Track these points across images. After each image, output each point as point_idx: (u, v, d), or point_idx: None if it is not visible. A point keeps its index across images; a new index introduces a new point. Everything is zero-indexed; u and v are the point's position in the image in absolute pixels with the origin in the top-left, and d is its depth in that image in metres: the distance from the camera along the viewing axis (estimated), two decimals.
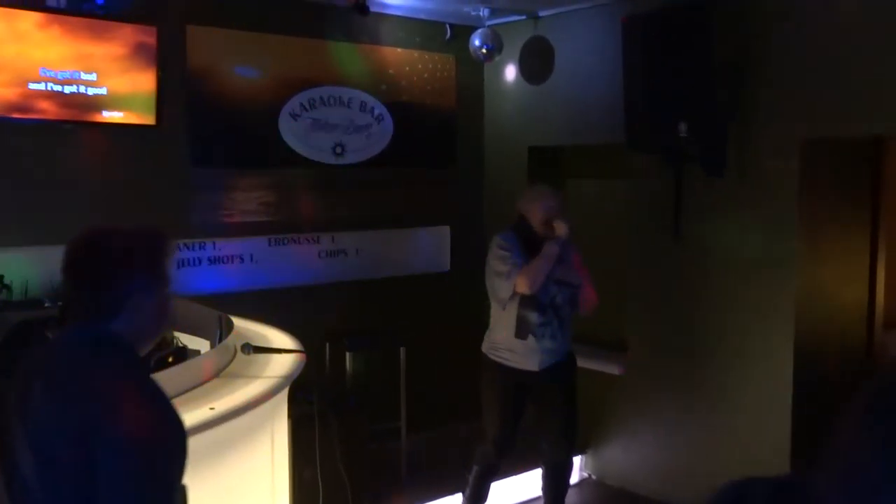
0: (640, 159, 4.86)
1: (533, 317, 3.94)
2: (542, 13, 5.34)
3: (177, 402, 2.62)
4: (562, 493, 4.32)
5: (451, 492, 4.61)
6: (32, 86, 4.02)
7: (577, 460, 5.24)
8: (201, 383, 2.86)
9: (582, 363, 5.23)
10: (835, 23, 4.06)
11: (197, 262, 4.71)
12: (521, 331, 3.97)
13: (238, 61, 4.78)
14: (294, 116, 4.99)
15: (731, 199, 4.53)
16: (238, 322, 3.65)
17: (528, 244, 3.97)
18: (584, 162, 5.59)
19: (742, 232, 4.52)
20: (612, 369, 5.15)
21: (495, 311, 4.09)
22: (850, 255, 4.75)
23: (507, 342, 4.03)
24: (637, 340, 5.08)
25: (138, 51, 4.28)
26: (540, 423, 4.22)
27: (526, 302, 3.95)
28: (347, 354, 4.76)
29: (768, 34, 4.30)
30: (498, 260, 3.98)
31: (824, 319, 4.58)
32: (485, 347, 4.16)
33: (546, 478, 4.30)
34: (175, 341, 3.29)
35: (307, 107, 5.04)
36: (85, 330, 1.68)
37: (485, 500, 4.35)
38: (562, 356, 4.10)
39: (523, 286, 3.87)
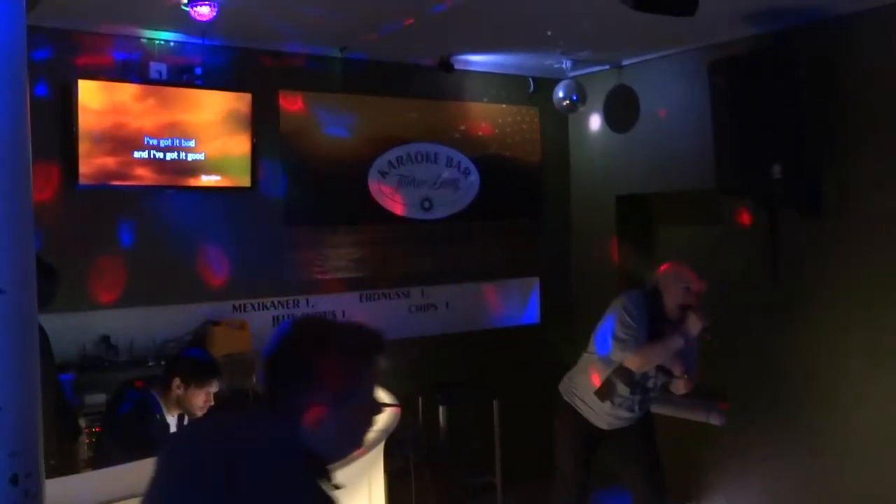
0: (730, 204, 4.76)
1: (621, 388, 3.86)
2: (625, 62, 5.35)
3: None
4: None
5: None
6: (137, 154, 4.22)
7: None
8: None
9: (680, 414, 5.11)
10: None
11: (291, 318, 4.80)
12: (604, 394, 3.89)
13: (328, 123, 4.93)
14: (383, 174, 5.09)
15: (830, 239, 4.38)
16: None
17: (655, 317, 3.85)
18: (674, 209, 5.50)
19: (845, 274, 4.35)
20: (712, 420, 4.99)
21: (589, 359, 4.02)
22: None
23: (586, 393, 3.96)
24: (736, 390, 4.92)
25: (234, 117, 4.46)
26: (622, 475, 4.10)
27: (622, 371, 3.86)
28: (440, 408, 4.75)
29: (862, 67, 4.20)
30: (621, 325, 3.82)
31: None
32: (562, 387, 4.08)
33: None
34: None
35: (395, 164, 5.13)
36: (278, 430, 1.51)
37: None
38: (635, 422, 3.99)
39: (634, 364, 3.78)
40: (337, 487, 1.55)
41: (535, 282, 5.64)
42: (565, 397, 4.05)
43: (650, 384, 3.89)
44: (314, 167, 4.87)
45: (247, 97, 4.51)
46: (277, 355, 1.57)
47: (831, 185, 4.33)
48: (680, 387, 3.92)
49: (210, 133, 4.41)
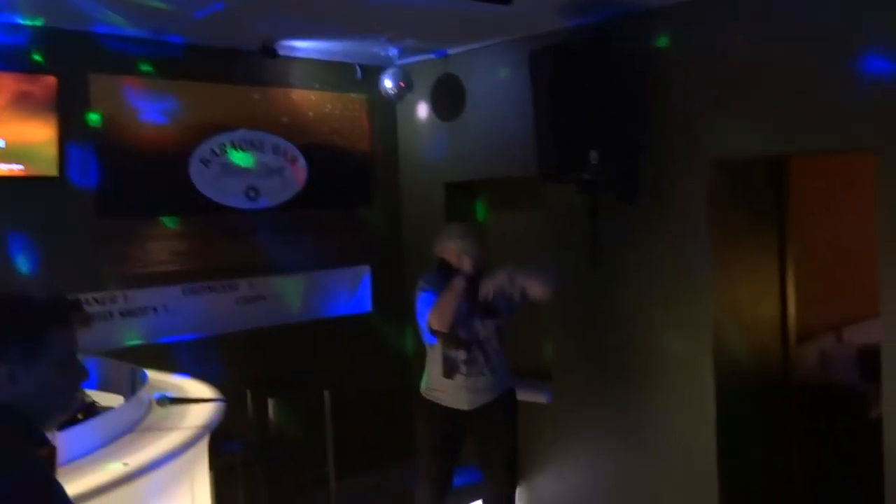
0: (554, 190, 4.92)
1: (457, 354, 3.92)
2: (451, 51, 5.40)
3: (88, 461, 2.50)
4: None
5: None
6: None
7: None
8: (114, 439, 2.73)
9: None
10: (735, 46, 4.21)
11: (108, 315, 4.54)
12: (448, 370, 3.95)
13: (144, 109, 4.68)
14: (205, 162, 4.89)
15: (644, 224, 4.61)
16: (153, 375, 3.53)
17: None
18: (502, 196, 5.63)
19: (657, 256, 4.60)
20: (539, 398, 5.15)
21: (428, 352, 4.08)
22: (761, 272, 4.88)
23: (438, 382, 4.01)
24: (561, 369, 5.10)
25: (35, 102, 4.15)
26: (480, 458, 4.17)
27: (448, 340, 3.93)
28: (270, 401, 4.64)
29: (671, 58, 4.43)
30: (419, 302, 3.97)
31: (741, 337, 4.68)
32: (422, 388, 4.14)
33: None
34: (84, 398, 3.14)
35: (218, 152, 4.95)
36: None
37: None
38: (498, 393, 4.06)
39: (434, 322, 3.86)
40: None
41: (365, 270, 5.62)
42: (425, 396, 4.09)
43: (482, 335, 3.94)
44: (130, 155, 4.61)
45: (51, 80, 4.21)
46: None
47: (645, 172, 4.56)
48: (536, 292, 3.94)
49: (6, 119, 4.08)
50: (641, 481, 4.74)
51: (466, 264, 3.88)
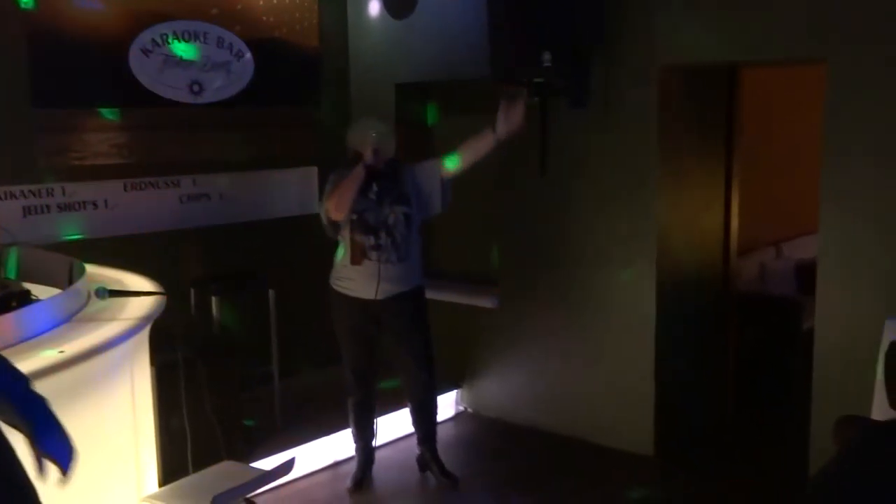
0: (507, 93, 4.85)
1: (365, 240, 3.95)
2: None
3: (22, 348, 2.45)
4: (430, 429, 4.37)
5: (327, 433, 4.58)
6: None
7: (453, 394, 5.32)
8: (50, 329, 2.68)
9: (456, 299, 5.29)
10: None
11: (45, 209, 4.41)
12: (356, 255, 3.99)
13: None
14: (146, 52, 4.70)
15: (594, 130, 4.60)
16: (92, 269, 3.44)
17: (370, 177, 3.96)
18: (453, 99, 5.54)
19: (605, 163, 4.60)
20: (486, 303, 5.20)
21: (340, 242, 4.12)
22: (706, 183, 4.93)
23: (346, 270, 4.06)
24: (508, 275, 5.14)
25: None
26: (395, 361, 4.23)
27: (356, 225, 3.98)
28: (213, 299, 4.59)
29: None
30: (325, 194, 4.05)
31: (683, 247, 4.75)
32: (330, 279, 4.15)
33: (412, 413, 4.34)
34: (17, 286, 3.06)
35: (160, 42, 4.76)
36: None
37: (372, 436, 4.36)
38: (406, 286, 4.09)
39: (331, 210, 3.95)
40: None
41: (313, 171, 5.52)
42: (333, 286, 4.13)
43: (390, 221, 3.97)
44: (65, 41, 4.39)
45: None
46: None
47: (597, 77, 4.51)
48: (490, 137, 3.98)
49: None
50: (582, 385, 4.86)
51: (369, 153, 3.92)
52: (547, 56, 4.16)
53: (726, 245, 5.13)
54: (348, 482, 4.30)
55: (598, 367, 4.78)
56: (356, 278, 4.03)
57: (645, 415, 4.61)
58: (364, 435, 4.33)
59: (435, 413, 4.38)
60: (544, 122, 4.66)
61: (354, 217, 3.98)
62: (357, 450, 4.36)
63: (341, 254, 4.10)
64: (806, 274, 5.62)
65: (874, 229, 3.78)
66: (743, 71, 4.93)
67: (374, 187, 3.98)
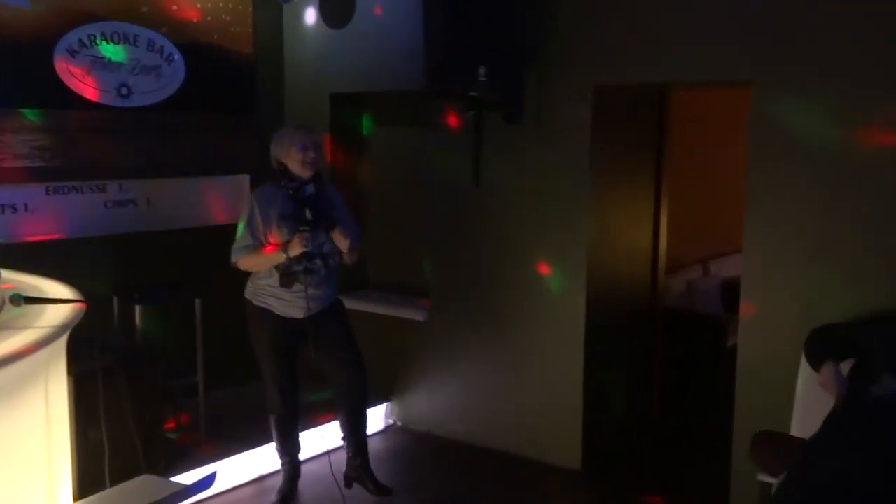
0: (442, 107, 4.86)
1: (299, 266, 3.88)
2: None
3: None
4: (363, 440, 4.31)
5: (252, 447, 4.49)
6: None
7: (382, 408, 5.28)
8: None
9: (386, 311, 5.26)
10: None
11: None
12: (287, 280, 3.91)
13: None
14: (72, 53, 4.57)
15: (528, 145, 4.63)
16: (7, 274, 3.31)
17: (294, 193, 3.89)
18: (388, 110, 5.53)
19: (538, 178, 4.64)
20: (416, 316, 5.18)
21: None
22: (636, 200, 5.01)
23: (271, 289, 3.98)
24: (438, 287, 5.13)
25: None
26: (323, 363, 4.16)
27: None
28: (137, 308, 4.47)
29: None
30: (242, 221, 3.95)
31: (613, 263, 4.81)
32: (248, 293, 4.09)
33: (345, 425, 4.28)
34: None
35: (87, 43, 4.63)
36: None
37: (297, 450, 4.28)
38: (329, 301, 4.08)
39: (240, 266, 3.93)
40: None
41: (245, 180, 5.43)
42: (254, 302, 4.03)
43: (325, 248, 3.94)
44: None
45: None
46: None
47: (532, 93, 4.55)
48: (343, 246, 3.92)
49: None
50: (512, 399, 4.87)
51: (297, 168, 3.87)
52: (482, 71, 4.18)
53: (654, 262, 5.22)
54: (274, 497, 4.22)
55: (528, 381, 4.80)
56: (285, 298, 3.96)
57: (573, 429, 4.64)
58: (290, 450, 4.25)
59: (365, 424, 4.33)
60: (479, 134, 4.68)
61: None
62: (283, 464, 4.28)
63: (264, 271, 3.98)
64: (731, 292, 5.75)
65: (796, 249, 3.89)
66: (673, 92, 5.03)
67: (308, 213, 3.86)
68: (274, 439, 4.24)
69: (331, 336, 4.09)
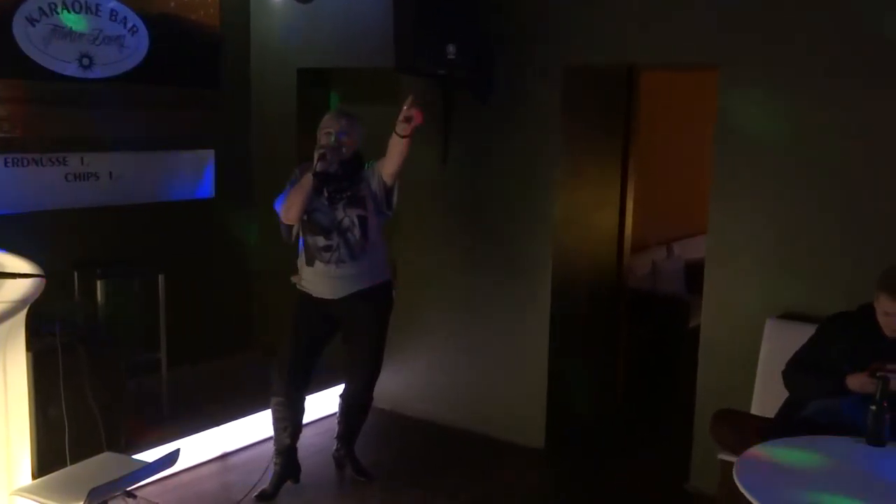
0: (409, 84, 4.81)
1: (316, 241, 3.86)
2: None
3: None
4: (355, 432, 4.33)
5: (216, 424, 4.46)
6: None
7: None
8: None
9: None
10: None
11: None
12: (310, 257, 3.91)
13: None
14: (31, 21, 4.46)
15: (497, 125, 4.62)
16: None
17: (322, 181, 3.80)
18: (356, 87, 5.48)
19: (506, 158, 4.63)
20: None
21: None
22: (603, 182, 5.03)
23: (304, 271, 3.99)
24: (406, 266, 5.11)
25: None
26: (346, 351, 4.13)
27: (306, 226, 3.88)
28: (98, 283, 4.40)
29: None
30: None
31: (579, 243, 4.83)
32: (294, 278, 4.08)
33: (342, 408, 4.28)
34: None
35: (47, 11, 4.52)
36: None
37: (289, 448, 4.08)
38: (364, 284, 3.95)
39: (283, 215, 3.85)
40: None
41: (209, 154, 5.36)
42: (298, 286, 4.02)
43: (344, 224, 3.87)
44: None
45: None
46: None
47: (501, 72, 4.53)
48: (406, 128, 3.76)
49: None
50: (476, 378, 4.88)
51: (316, 158, 3.77)
52: (451, 49, 4.15)
53: (620, 243, 5.25)
54: (266, 485, 4.02)
55: (493, 360, 4.81)
56: (310, 278, 3.93)
57: (537, 408, 4.67)
58: (281, 445, 4.04)
59: (366, 414, 4.29)
60: (447, 113, 4.66)
61: (305, 218, 3.84)
62: (273, 464, 4.06)
63: (301, 253, 3.97)
64: (694, 273, 5.81)
65: (760, 232, 3.93)
66: (641, 74, 5.04)
67: (325, 192, 3.81)
68: (272, 425, 4.08)
69: (359, 331, 4.03)
